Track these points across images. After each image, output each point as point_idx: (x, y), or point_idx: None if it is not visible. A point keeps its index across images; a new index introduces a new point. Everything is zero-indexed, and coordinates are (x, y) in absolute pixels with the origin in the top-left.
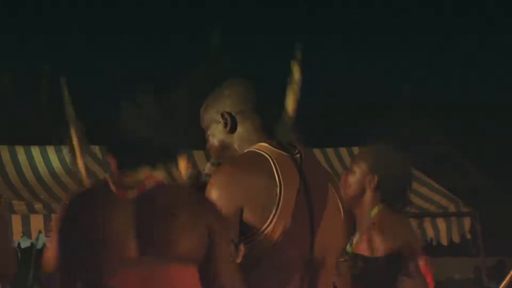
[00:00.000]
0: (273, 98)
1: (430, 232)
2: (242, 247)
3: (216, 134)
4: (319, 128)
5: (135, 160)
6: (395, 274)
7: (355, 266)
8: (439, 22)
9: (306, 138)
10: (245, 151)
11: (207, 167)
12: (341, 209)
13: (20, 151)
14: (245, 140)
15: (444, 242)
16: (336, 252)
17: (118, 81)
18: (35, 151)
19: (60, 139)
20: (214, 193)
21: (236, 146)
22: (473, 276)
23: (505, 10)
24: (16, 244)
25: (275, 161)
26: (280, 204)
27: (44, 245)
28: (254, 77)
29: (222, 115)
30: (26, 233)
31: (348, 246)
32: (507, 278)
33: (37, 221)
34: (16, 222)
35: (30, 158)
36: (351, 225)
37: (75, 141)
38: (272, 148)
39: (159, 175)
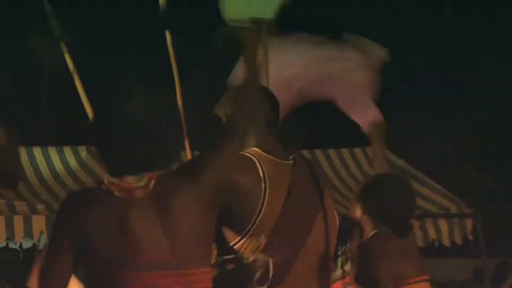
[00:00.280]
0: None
1: (432, 233)
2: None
3: None
4: (332, 129)
5: (134, 163)
6: None
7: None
8: (439, 22)
9: (319, 140)
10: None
11: None
12: (331, 217)
13: (22, 152)
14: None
15: (446, 243)
16: (320, 259)
17: (118, 81)
18: (37, 151)
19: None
20: None
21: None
22: (475, 277)
23: (506, 10)
24: (18, 245)
25: (262, 165)
26: (264, 207)
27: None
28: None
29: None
30: (28, 233)
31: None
32: None
33: (39, 222)
34: (18, 222)
35: (31, 158)
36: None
37: None
38: (262, 152)
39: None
